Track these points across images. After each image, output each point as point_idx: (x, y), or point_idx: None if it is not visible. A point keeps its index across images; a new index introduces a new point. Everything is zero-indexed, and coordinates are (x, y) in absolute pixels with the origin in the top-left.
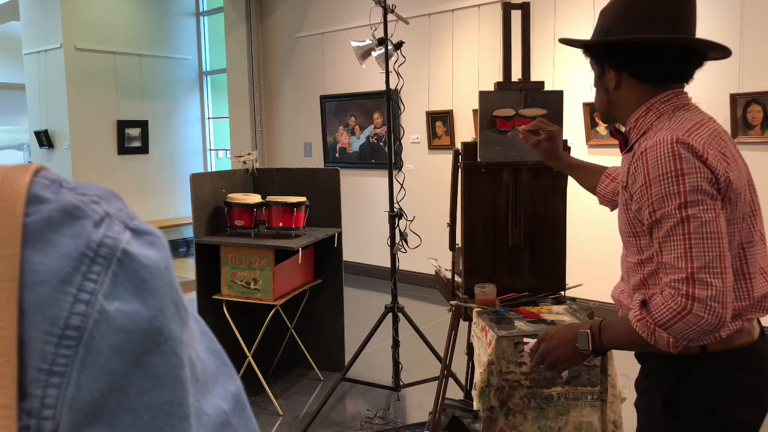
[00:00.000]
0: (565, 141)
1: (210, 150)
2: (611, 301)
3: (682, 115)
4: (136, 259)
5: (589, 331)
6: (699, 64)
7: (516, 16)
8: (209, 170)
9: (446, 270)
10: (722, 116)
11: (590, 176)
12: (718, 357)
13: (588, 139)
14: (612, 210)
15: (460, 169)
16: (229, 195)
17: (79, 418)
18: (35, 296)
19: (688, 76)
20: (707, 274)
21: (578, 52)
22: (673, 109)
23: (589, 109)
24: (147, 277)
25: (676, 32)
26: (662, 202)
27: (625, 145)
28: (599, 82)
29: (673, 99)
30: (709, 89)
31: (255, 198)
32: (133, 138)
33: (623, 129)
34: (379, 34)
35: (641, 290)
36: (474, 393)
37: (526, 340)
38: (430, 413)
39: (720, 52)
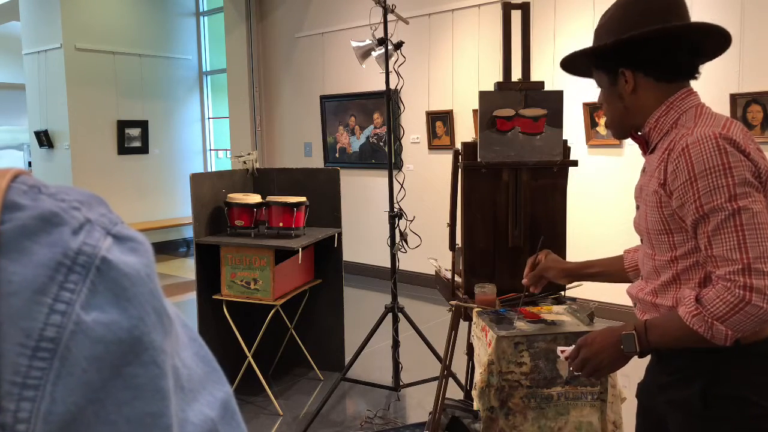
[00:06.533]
0: (565, 141)
1: (210, 150)
2: (611, 301)
3: (708, 113)
4: (115, 266)
5: (634, 332)
6: (703, 59)
7: (516, 16)
8: (209, 170)
9: (446, 270)
10: None
11: (613, 270)
12: (749, 348)
13: (588, 139)
14: None
15: (460, 169)
16: (229, 195)
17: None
18: (9, 307)
19: (695, 72)
20: (763, 263)
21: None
22: (694, 107)
23: (589, 109)
24: (127, 286)
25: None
26: (711, 196)
27: (647, 147)
28: (612, 90)
29: (689, 97)
30: (709, 89)
31: (255, 198)
32: (133, 138)
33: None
34: (379, 34)
35: (673, 287)
36: (474, 393)
37: (561, 348)
38: (430, 413)
39: (722, 39)
